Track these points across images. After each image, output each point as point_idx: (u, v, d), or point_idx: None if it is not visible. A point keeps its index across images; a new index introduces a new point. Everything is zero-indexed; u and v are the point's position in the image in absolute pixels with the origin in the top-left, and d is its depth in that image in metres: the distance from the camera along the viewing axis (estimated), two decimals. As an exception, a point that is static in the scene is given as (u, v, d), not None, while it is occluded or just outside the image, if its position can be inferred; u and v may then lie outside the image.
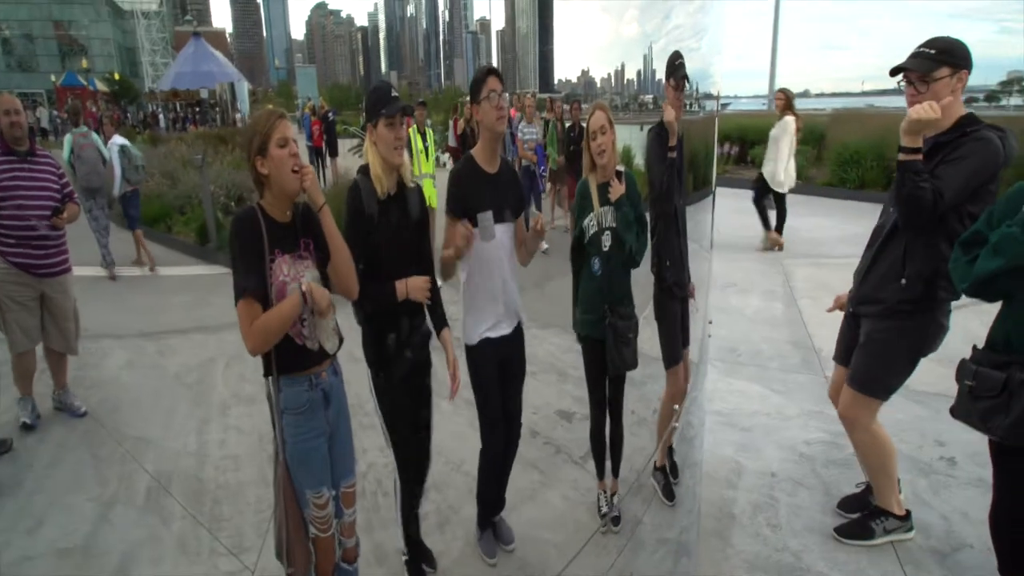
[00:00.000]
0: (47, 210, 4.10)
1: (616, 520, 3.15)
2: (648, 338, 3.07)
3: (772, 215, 8.82)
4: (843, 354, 3.13)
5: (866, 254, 2.95)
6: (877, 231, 2.91)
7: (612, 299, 2.91)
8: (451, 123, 11.22)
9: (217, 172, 10.60)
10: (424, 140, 7.47)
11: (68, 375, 4.54)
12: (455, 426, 3.25)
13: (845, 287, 6.71)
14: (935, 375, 3.27)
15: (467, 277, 2.79)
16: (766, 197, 8.76)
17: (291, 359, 2.17)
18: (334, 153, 15.39)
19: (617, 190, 2.84)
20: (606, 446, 3.15)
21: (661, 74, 2.81)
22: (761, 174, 8.73)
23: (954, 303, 2.75)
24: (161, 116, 34.63)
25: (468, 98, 2.76)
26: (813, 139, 14.93)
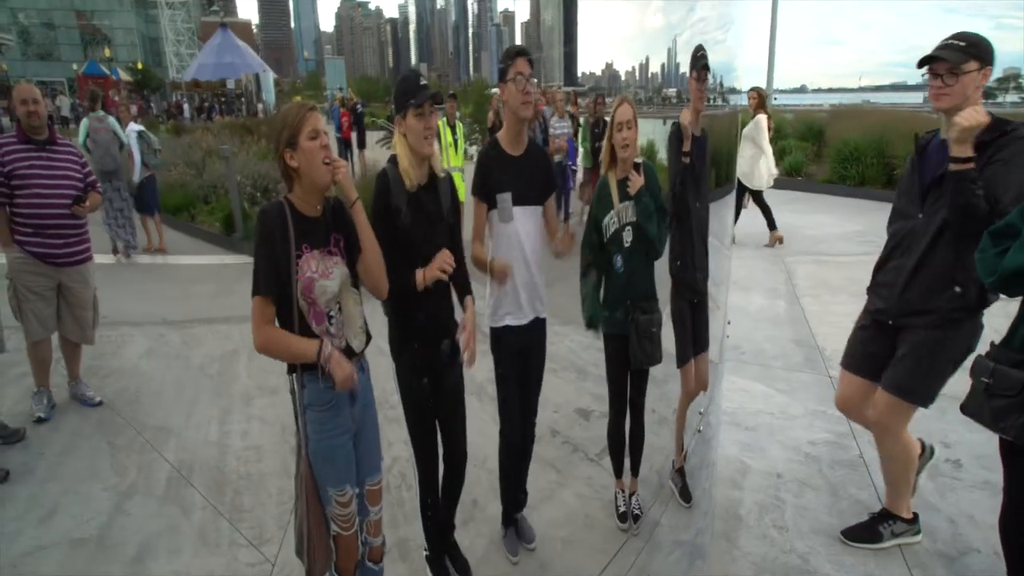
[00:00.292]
0: (67, 199, 3.98)
1: (637, 518, 3.07)
2: (667, 335, 2.96)
3: (742, 214, 8.70)
4: (861, 363, 2.95)
5: (895, 263, 2.74)
6: (903, 238, 2.70)
7: (635, 295, 2.82)
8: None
9: (243, 162, 10.52)
10: (454, 133, 7.33)
11: (81, 366, 4.46)
12: (479, 422, 3.16)
13: (846, 285, 6.69)
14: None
15: (491, 259, 2.69)
16: (743, 196, 8.63)
17: None
18: (362, 145, 15.34)
19: (637, 182, 2.72)
20: (625, 445, 3.05)
21: (685, 67, 2.68)
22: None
23: None
24: (186, 106, 34.69)
25: (496, 90, 2.66)
26: (812, 135, 14.73)
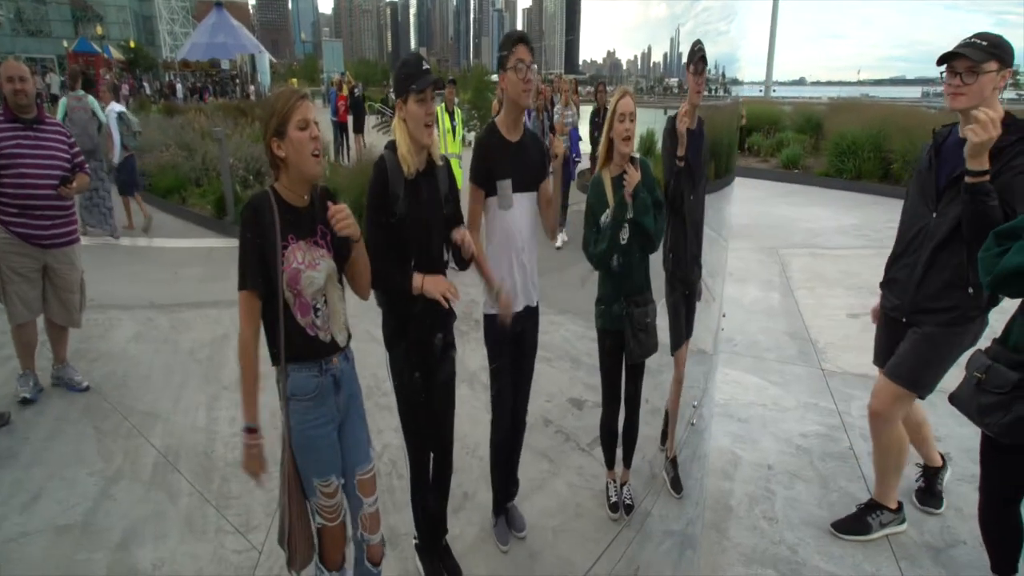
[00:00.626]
0: (54, 179, 3.91)
1: (629, 509, 3.07)
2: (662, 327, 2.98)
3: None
4: (881, 360, 2.97)
5: (908, 260, 2.74)
6: (916, 235, 2.70)
7: (630, 291, 2.82)
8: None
9: (236, 144, 10.42)
10: (452, 119, 7.25)
11: (68, 349, 4.40)
12: (471, 409, 3.16)
13: (841, 278, 6.70)
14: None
15: (487, 246, 2.67)
16: None
17: (302, 349, 2.03)
18: (359, 129, 15.22)
19: (633, 178, 2.69)
20: (617, 438, 3.06)
21: (687, 58, 2.66)
22: None
23: None
24: (179, 86, 34.33)
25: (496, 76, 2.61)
26: (810, 128, 14.72)
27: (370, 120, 16.10)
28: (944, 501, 3.17)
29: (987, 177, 2.27)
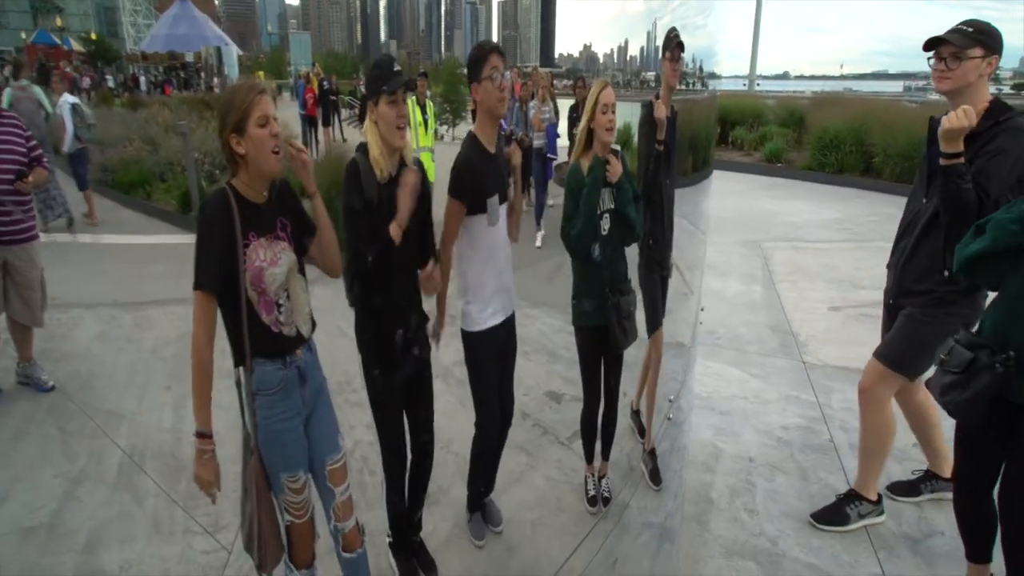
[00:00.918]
0: (10, 174, 3.87)
1: (607, 501, 3.12)
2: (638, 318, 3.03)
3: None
4: None
5: (899, 245, 2.85)
6: (910, 220, 2.81)
7: (613, 281, 2.85)
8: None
9: (201, 138, 10.32)
10: (424, 112, 7.27)
11: (34, 347, 4.36)
12: (444, 404, 3.17)
13: (822, 271, 6.82)
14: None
15: (470, 264, 2.66)
16: None
17: (267, 346, 2.03)
18: (328, 122, 15.14)
19: (616, 169, 2.73)
20: (597, 431, 3.10)
21: (663, 44, 2.71)
22: None
23: None
24: (142, 79, 33.82)
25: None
26: (793, 122, 14.91)
27: (341, 113, 16.02)
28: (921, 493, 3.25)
29: (960, 160, 2.37)
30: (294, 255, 2.08)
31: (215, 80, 31.74)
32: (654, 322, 3.17)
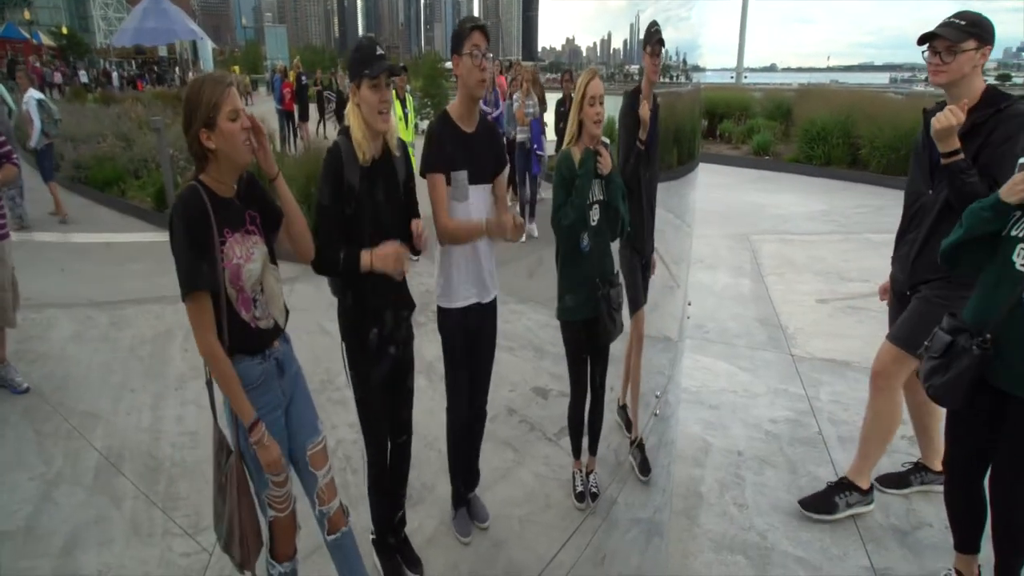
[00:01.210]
0: None
1: (595, 497, 3.14)
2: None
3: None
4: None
5: (908, 236, 2.88)
6: (916, 212, 2.83)
7: (603, 272, 2.87)
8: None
9: (176, 134, 10.22)
10: (404, 107, 7.25)
11: (7, 348, 4.32)
12: (428, 401, 3.18)
13: (810, 264, 6.89)
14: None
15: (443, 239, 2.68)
16: None
17: (247, 343, 2.03)
18: (305, 117, 15.08)
19: (607, 161, 2.75)
20: (584, 426, 3.12)
21: (644, 39, 2.73)
22: None
23: None
24: (115, 74, 33.45)
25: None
26: (780, 114, 15.03)
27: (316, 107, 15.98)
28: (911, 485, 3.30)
29: (959, 156, 2.43)
30: (265, 247, 2.08)
31: (190, 75, 31.43)
32: (635, 303, 3.20)
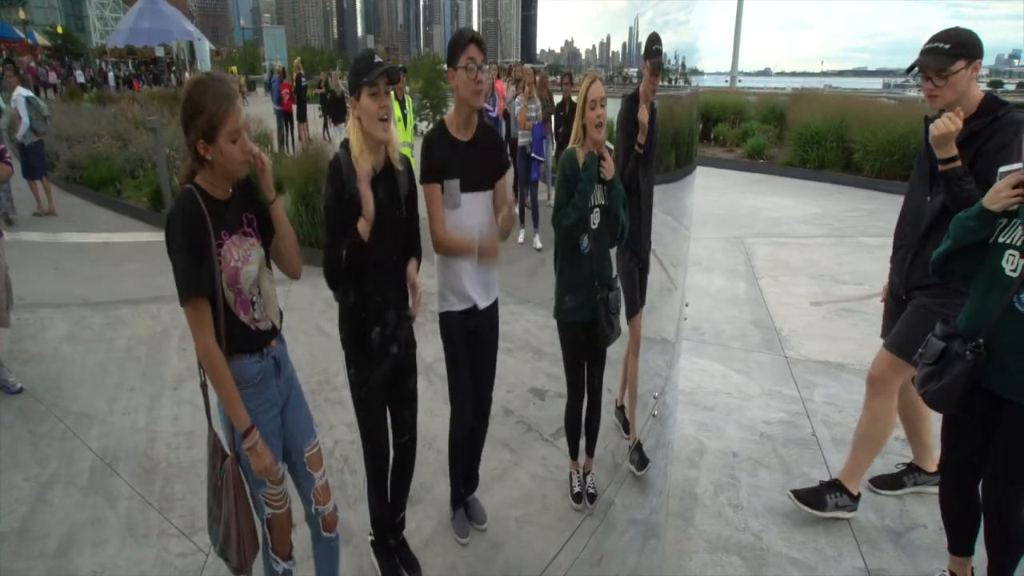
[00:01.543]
0: None
1: (592, 498, 3.13)
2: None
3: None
4: (886, 334, 3.10)
5: (905, 240, 2.89)
6: (914, 217, 2.84)
7: (601, 275, 2.87)
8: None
9: (173, 134, 10.19)
10: (403, 108, 7.22)
11: (1, 348, 4.30)
12: (428, 402, 3.17)
13: (804, 266, 6.91)
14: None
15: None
16: None
17: (246, 344, 2.04)
18: (303, 118, 15.06)
19: (610, 166, 2.75)
20: (582, 426, 3.12)
21: (645, 53, 2.73)
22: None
23: None
24: (110, 74, 33.30)
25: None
26: (774, 118, 15.08)
27: (315, 108, 15.95)
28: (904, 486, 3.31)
29: (957, 163, 2.45)
30: (262, 250, 2.08)
31: (186, 75, 31.35)
32: (632, 307, 3.20)
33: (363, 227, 2.24)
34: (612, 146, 2.84)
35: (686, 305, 3.81)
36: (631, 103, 2.91)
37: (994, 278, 2.18)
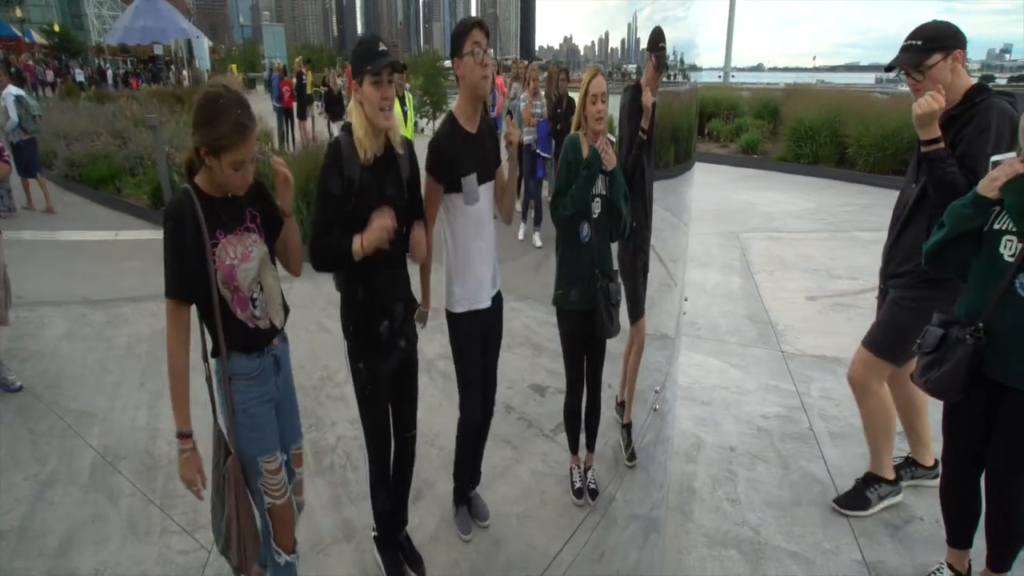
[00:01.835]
0: None
1: (594, 494, 3.11)
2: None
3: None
4: None
5: (892, 231, 2.90)
6: (900, 206, 2.85)
7: (602, 265, 2.85)
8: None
9: (172, 132, 10.14)
10: (403, 104, 7.17)
11: (1, 347, 4.26)
12: (429, 398, 3.15)
13: (798, 261, 6.89)
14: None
15: (453, 243, 2.64)
16: None
17: (244, 342, 2.04)
18: (303, 115, 14.97)
19: (612, 159, 2.73)
20: (581, 420, 3.10)
21: (645, 44, 2.71)
22: None
23: None
24: (109, 72, 33.11)
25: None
26: (767, 113, 15.05)
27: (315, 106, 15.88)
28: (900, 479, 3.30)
29: (941, 145, 2.43)
30: (265, 246, 2.06)
31: (184, 73, 31.20)
32: (636, 311, 3.18)
33: (356, 248, 2.21)
34: (613, 138, 2.81)
35: (685, 300, 3.79)
36: (635, 91, 2.89)
37: (992, 264, 2.17)
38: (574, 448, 3.17)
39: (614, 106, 2.94)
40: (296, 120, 14.80)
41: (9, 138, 8.49)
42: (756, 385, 4.36)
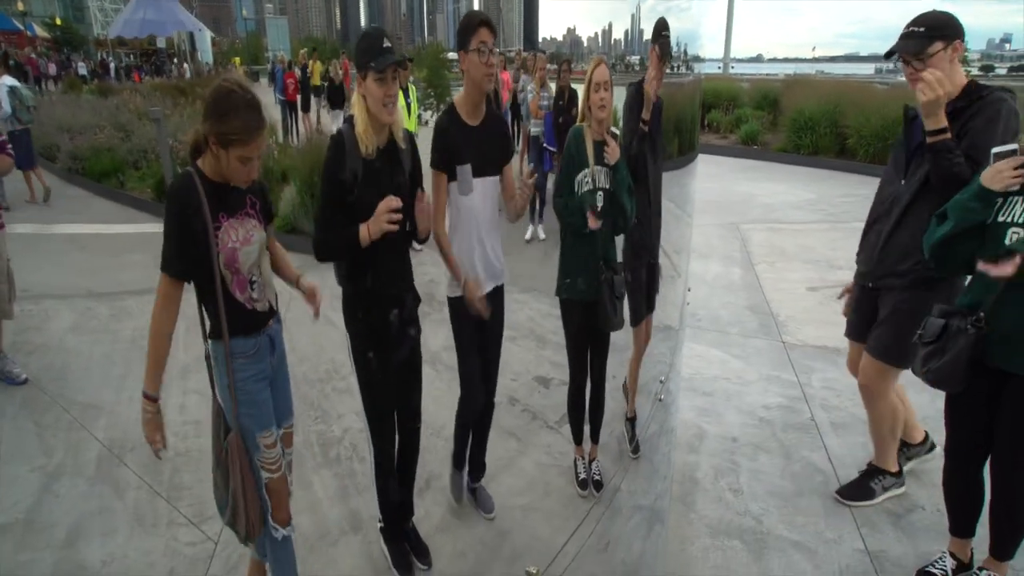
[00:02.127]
0: None
1: (598, 485, 3.10)
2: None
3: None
4: (857, 328, 3.05)
5: (878, 227, 2.84)
6: (886, 203, 2.80)
7: (606, 256, 2.83)
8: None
9: (176, 125, 10.08)
10: (407, 96, 7.11)
11: (4, 340, 4.24)
12: (435, 390, 3.14)
13: (799, 252, 6.86)
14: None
15: (450, 230, 2.64)
16: None
17: (243, 324, 2.08)
18: (307, 108, 14.91)
19: (615, 152, 2.71)
20: (584, 412, 3.08)
21: (649, 35, 2.68)
22: None
23: None
24: (112, 65, 32.98)
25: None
26: (767, 104, 14.97)
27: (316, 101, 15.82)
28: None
29: (947, 135, 2.39)
30: (264, 232, 2.12)
31: (186, 66, 31.07)
32: (636, 315, 3.13)
33: (363, 234, 2.21)
34: (617, 131, 2.78)
35: (688, 289, 3.77)
36: (639, 86, 2.86)
37: (997, 256, 2.14)
38: (577, 438, 3.16)
39: (619, 100, 2.91)
40: (300, 112, 14.75)
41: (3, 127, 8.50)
42: (758, 376, 4.35)
